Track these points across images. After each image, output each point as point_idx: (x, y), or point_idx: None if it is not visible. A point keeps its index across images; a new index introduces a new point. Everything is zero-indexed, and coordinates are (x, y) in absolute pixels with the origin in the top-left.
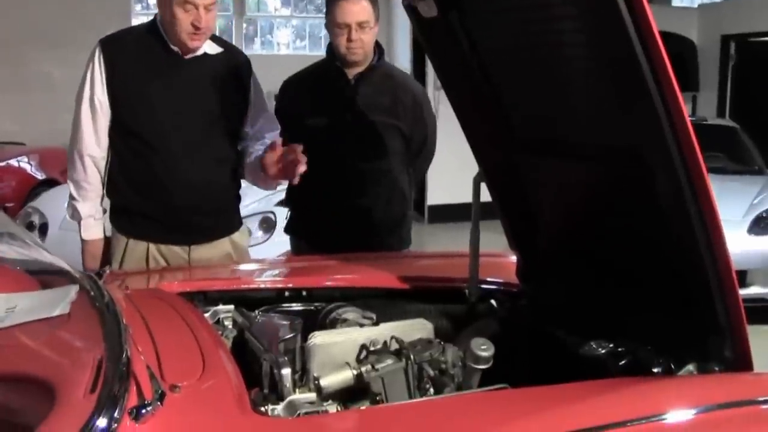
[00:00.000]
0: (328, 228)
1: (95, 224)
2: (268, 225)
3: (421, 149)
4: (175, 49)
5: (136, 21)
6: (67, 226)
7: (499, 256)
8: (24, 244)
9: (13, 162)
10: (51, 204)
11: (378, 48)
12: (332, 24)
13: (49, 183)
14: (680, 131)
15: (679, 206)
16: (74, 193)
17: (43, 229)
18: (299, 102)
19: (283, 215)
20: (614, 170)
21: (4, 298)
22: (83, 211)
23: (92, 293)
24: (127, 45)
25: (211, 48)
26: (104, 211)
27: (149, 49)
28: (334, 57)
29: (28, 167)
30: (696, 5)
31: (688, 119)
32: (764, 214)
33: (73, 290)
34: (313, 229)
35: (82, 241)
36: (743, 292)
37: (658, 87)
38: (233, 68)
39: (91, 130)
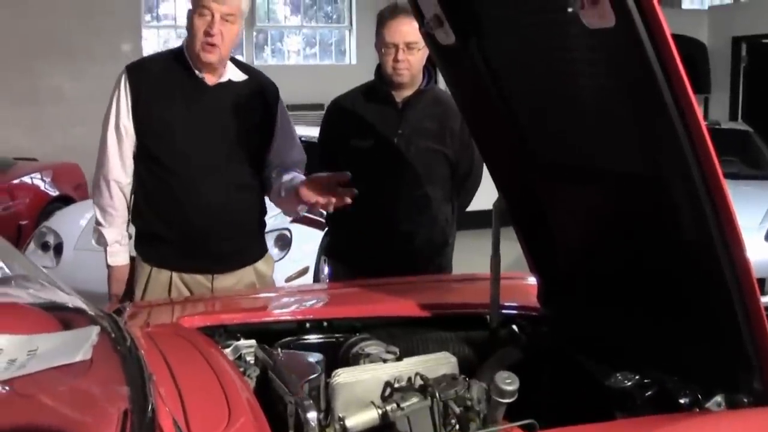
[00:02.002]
0: (367, 252)
1: (121, 250)
2: (283, 242)
3: (467, 177)
4: (200, 75)
5: (147, 33)
6: (82, 246)
7: (519, 278)
8: (40, 286)
9: (26, 179)
10: (65, 223)
11: (427, 72)
12: (380, 43)
13: (63, 199)
14: (705, 163)
15: (705, 238)
16: (100, 219)
17: (58, 249)
18: (345, 122)
19: (298, 232)
20: (637, 199)
21: (25, 339)
22: (109, 237)
23: (113, 335)
24: (153, 71)
25: (235, 75)
26: (129, 237)
27: (174, 76)
28: (382, 78)
29: (41, 184)
30: (706, 7)
31: (713, 150)
32: None
33: (94, 332)
34: (352, 252)
35: (108, 266)
36: (762, 300)
37: (682, 118)
38: (258, 95)
39: (117, 156)
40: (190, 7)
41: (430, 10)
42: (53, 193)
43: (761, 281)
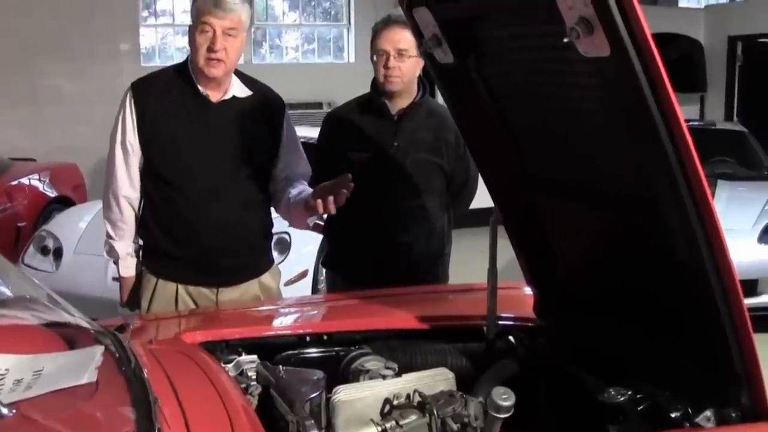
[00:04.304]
0: (365, 264)
1: (132, 261)
2: (282, 246)
3: (463, 188)
4: (205, 92)
5: (145, 31)
6: (82, 250)
7: (515, 288)
8: (41, 304)
9: (24, 180)
10: (65, 227)
11: (422, 84)
12: (373, 52)
13: (62, 200)
14: (695, 187)
15: (695, 257)
16: (111, 233)
17: (58, 253)
18: (342, 135)
19: (297, 236)
20: (631, 217)
21: (30, 359)
22: (121, 250)
23: (118, 355)
24: (157, 88)
25: (240, 91)
26: (137, 248)
27: (179, 93)
28: (377, 90)
29: (39, 185)
30: (703, 6)
31: (703, 175)
32: None
33: (98, 352)
34: (350, 264)
35: (121, 277)
36: (753, 300)
37: (673, 143)
38: (263, 110)
39: (125, 173)
40: (191, 23)
41: (429, 29)
42: (52, 194)
43: (754, 282)
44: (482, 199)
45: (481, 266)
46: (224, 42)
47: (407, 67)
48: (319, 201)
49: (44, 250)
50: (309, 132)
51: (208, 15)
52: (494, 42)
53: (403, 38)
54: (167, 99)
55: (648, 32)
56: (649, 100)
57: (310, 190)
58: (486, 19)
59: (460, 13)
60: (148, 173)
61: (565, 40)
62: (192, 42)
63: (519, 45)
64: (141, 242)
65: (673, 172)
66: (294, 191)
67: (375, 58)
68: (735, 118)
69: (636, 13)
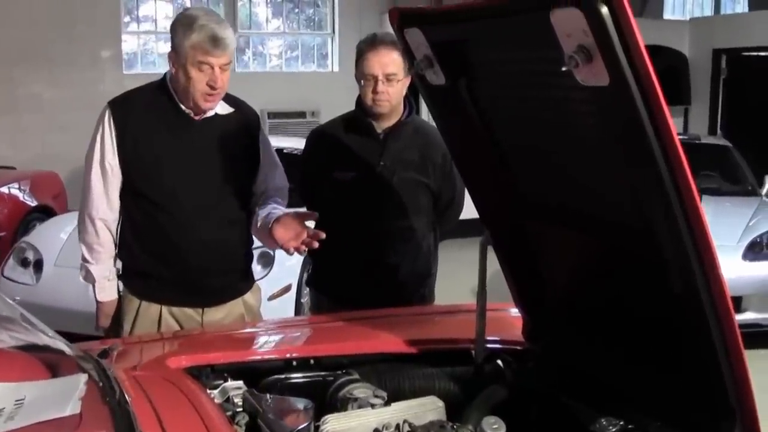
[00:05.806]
0: (350, 284)
1: (109, 285)
2: (266, 260)
3: (449, 206)
4: (186, 110)
5: (126, 37)
6: (62, 263)
7: (502, 310)
8: (22, 328)
9: (4, 189)
10: (45, 239)
11: (408, 103)
12: (360, 75)
13: (42, 209)
14: (692, 218)
15: (690, 289)
16: (87, 256)
17: (38, 266)
18: (327, 154)
19: (281, 250)
20: (625, 246)
21: (12, 388)
22: (97, 274)
23: (101, 384)
24: (137, 106)
25: (222, 108)
26: (117, 272)
27: (160, 111)
28: (363, 109)
29: (19, 194)
30: (687, 18)
31: (700, 206)
32: (758, 239)
33: (82, 381)
34: (335, 284)
35: (97, 301)
36: (738, 317)
37: (671, 175)
38: (243, 127)
39: (102, 194)
40: (178, 53)
41: (420, 50)
42: (32, 203)
43: (738, 299)
44: (468, 210)
45: (466, 280)
46: (222, 76)
47: (395, 91)
48: (290, 244)
49: (24, 263)
50: (292, 143)
51: (207, 55)
52: (487, 65)
53: (390, 62)
54: (149, 118)
55: (649, 63)
56: (648, 130)
57: (278, 210)
58: (479, 43)
59: (453, 35)
60: (129, 193)
61: (564, 68)
62: (184, 75)
63: (512, 69)
64: (120, 265)
65: (669, 200)
66: (262, 213)
67: (362, 81)
68: (719, 131)
69: (637, 43)
